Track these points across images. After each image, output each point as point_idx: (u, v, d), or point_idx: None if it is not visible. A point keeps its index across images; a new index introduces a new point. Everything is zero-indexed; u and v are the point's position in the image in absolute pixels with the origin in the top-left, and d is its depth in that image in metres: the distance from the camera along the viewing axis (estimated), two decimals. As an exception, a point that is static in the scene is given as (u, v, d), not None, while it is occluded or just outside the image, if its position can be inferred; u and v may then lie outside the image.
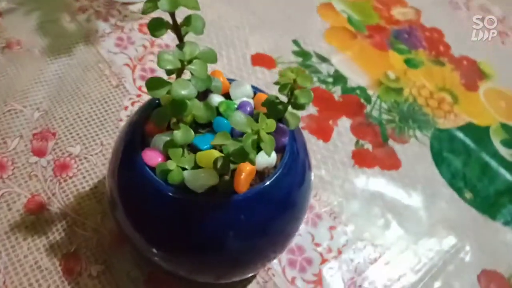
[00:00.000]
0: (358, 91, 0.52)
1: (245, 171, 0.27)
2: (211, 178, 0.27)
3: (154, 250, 0.31)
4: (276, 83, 0.28)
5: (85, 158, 0.42)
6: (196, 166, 0.28)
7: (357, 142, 0.48)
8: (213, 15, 0.58)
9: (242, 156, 0.23)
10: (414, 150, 0.48)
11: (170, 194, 0.27)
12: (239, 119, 0.23)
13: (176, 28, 0.26)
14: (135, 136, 0.30)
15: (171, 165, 0.27)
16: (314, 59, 0.54)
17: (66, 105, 0.46)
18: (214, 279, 0.33)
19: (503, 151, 0.49)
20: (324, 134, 0.48)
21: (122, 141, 0.32)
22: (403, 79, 0.54)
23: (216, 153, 0.27)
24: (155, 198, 0.28)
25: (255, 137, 0.23)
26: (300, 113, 0.49)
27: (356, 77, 0.54)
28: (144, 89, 0.49)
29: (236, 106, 0.31)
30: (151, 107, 0.31)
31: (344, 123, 0.49)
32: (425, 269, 0.40)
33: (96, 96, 0.47)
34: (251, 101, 0.32)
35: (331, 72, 0.54)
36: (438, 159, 0.48)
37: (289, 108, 0.29)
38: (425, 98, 0.53)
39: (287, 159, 0.29)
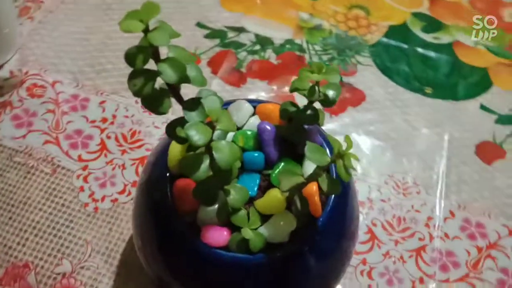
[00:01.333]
0: (288, 46, 0.50)
1: (316, 193, 0.25)
2: (291, 220, 0.24)
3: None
4: (294, 90, 0.25)
5: (82, 267, 0.35)
6: (262, 217, 0.25)
7: (319, 94, 0.47)
8: (99, 37, 0.49)
9: (337, 186, 0.21)
10: (366, 75, 0.49)
11: (258, 261, 0.24)
12: (317, 153, 0.21)
13: (177, 93, 0.21)
14: (173, 222, 0.25)
15: (247, 233, 0.23)
16: (231, 34, 0.51)
17: (13, 226, 0.36)
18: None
19: (427, 37, 0.53)
20: (288, 102, 0.46)
21: (154, 232, 0.27)
22: (316, 14, 0.54)
23: (278, 193, 0.24)
24: (239, 273, 0.24)
25: (342, 161, 0.20)
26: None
27: (278, 33, 0.51)
28: (86, 156, 0.41)
29: (250, 133, 0.27)
30: (159, 178, 0.26)
31: (297, 83, 0.48)
32: (438, 172, 0.43)
33: (39, 195, 0.38)
34: (257, 119, 0.28)
35: (253, 39, 0.51)
36: (387, 72, 0.50)
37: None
38: (344, 23, 0.53)
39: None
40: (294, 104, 0.27)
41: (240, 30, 0.51)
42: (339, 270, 0.28)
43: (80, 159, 0.41)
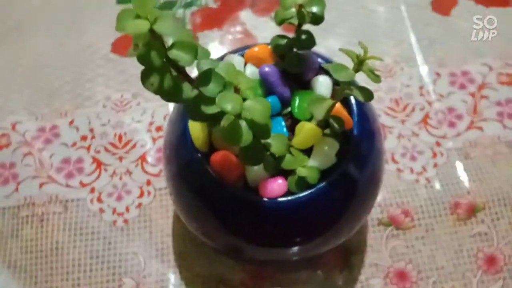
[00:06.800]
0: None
1: (342, 108, 0.25)
2: (332, 142, 0.25)
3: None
4: (282, 21, 0.24)
5: (144, 277, 0.35)
6: (303, 152, 0.25)
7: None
8: (28, 61, 0.45)
9: (369, 93, 0.22)
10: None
11: (322, 191, 0.25)
12: (341, 70, 0.21)
13: (186, 75, 0.20)
14: (229, 194, 0.25)
15: (302, 171, 0.24)
16: (159, -2, 0.47)
17: (59, 272, 0.35)
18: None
19: None
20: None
21: (211, 210, 0.27)
22: None
23: (311, 125, 0.25)
24: (310, 208, 0.25)
25: (366, 67, 0.21)
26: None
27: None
28: (87, 179, 0.39)
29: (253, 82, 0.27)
30: (192, 161, 0.26)
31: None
32: (410, 42, 0.44)
33: (65, 235, 0.37)
34: (252, 66, 0.28)
35: (183, -7, 0.48)
36: None
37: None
38: None
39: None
40: (283, 36, 0.26)
41: (165, -11, 0.48)
42: (381, 170, 0.29)
43: (83, 184, 0.39)
